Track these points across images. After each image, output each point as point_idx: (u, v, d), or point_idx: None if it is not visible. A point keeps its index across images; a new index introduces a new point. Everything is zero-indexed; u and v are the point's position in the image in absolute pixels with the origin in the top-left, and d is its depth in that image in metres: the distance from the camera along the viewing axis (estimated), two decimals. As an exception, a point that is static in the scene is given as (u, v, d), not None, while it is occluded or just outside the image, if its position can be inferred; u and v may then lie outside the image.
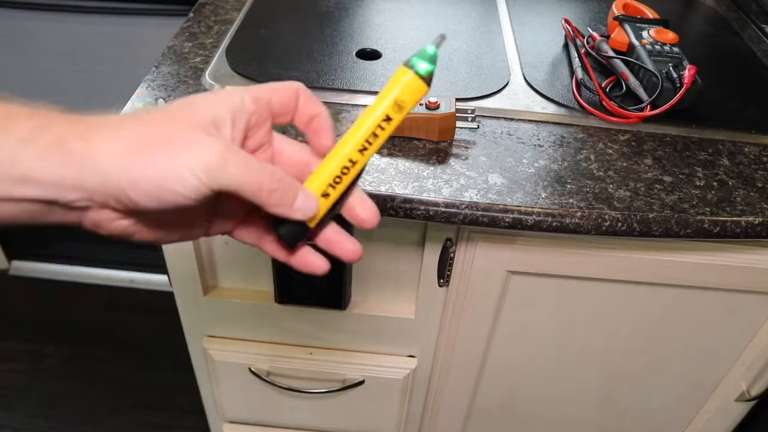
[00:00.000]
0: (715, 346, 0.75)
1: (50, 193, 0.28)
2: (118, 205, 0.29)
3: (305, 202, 0.31)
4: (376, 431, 0.93)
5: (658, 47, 0.72)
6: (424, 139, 0.63)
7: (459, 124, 0.63)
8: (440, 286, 0.70)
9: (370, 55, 0.77)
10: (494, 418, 0.89)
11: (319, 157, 0.34)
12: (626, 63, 0.72)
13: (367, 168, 0.58)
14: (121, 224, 0.31)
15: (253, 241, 0.36)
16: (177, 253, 0.72)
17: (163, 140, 0.28)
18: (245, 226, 0.36)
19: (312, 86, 0.70)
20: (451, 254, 0.66)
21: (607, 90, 0.71)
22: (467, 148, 0.63)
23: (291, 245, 0.34)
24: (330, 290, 0.71)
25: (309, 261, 0.35)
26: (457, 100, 0.65)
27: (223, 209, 0.35)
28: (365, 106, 0.68)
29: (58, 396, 1.37)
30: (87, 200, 0.28)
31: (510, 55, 0.79)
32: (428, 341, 0.78)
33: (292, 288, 0.72)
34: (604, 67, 0.75)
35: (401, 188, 0.57)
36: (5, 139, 0.27)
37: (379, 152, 0.61)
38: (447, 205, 0.56)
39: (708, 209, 0.58)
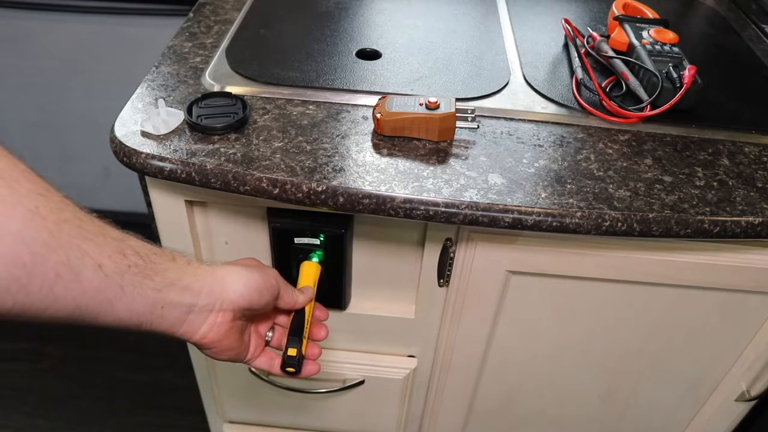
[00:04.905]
0: (715, 346, 0.75)
1: (194, 298, 0.44)
2: (226, 305, 0.47)
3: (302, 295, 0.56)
4: (376, 431, 0.93)
5: (658, 47, 0.72)
6: (424, 139, 0.63)
7: (459, 124, 0.63)
8: (440, 286, 0.70)
9: (370, 55, 0.77)
10: (494, 418, 0.89)
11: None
12: (626, 63, 0.72)
13: (367, 169, 0.59)
14: (217, 321, 0.47)
15: (266, 367, 0.55)
16: (177, 253, 0.72)
17: (253, 267, 0.50)
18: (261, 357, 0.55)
19: (312, 86, 0.70)
20: (451, 254, 0.66)
21: (607, 90, 0.71)
22: (467, 148, 0.63)
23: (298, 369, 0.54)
24: (330, 290, 0.71)
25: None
26: (457, 100, 0.65)
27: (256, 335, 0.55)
28: (365, 105, 0.68)
29: (58, 396, 1.37)
30: (211, 304, 0.46)
31: (510, 55, 0.79)
32: (428, 341, 0.78)
33: (292, 288, 0.72)
34: (604, 67, 0.75)
35: (401, 188, 0.57)
36: (172, 266, 0.44)
37: (379, 152, 0.61)
38: (447, 205, 0.56)
39: (708, 209, 0.58)
